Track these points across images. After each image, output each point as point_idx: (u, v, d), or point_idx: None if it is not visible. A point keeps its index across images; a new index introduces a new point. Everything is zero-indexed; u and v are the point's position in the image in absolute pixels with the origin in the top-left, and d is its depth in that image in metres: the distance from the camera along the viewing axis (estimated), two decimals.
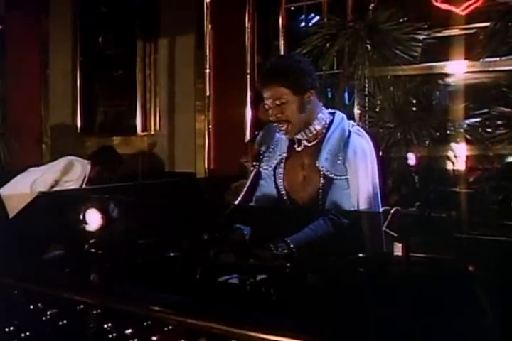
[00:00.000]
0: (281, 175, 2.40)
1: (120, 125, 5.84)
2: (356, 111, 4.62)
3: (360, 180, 2.33)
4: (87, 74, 5.95)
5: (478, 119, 4.02)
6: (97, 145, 5.67)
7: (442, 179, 4.18)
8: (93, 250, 2.39)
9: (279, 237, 2.01)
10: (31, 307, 2.14)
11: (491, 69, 4.00)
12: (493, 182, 3.75)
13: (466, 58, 4.14)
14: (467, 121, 4.14)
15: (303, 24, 4.82)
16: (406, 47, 4.26)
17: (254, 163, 2.21)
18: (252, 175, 2.14)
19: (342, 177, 2.34)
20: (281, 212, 2.24)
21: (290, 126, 2.35)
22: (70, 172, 4.33)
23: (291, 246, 2.09)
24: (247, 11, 4.08)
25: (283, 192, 2.40)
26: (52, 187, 4.24)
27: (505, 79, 3.78)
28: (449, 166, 4.16)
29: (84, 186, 4.27)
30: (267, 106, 2.35)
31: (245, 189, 2.05)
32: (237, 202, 2.01)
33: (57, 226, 2.43)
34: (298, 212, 2.25)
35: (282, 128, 2.37)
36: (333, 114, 2.46)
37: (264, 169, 2.38)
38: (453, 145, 4.10)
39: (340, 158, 2.35)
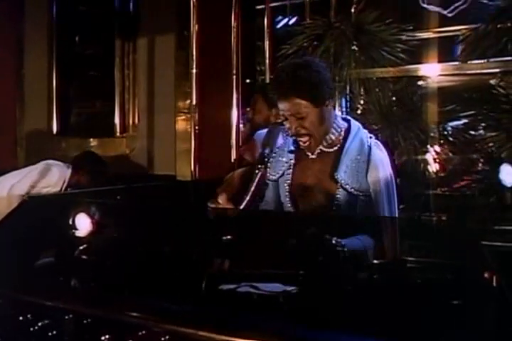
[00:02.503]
0: (289, 182, 2.30)
1: (98, 126, 5.71)
2: (339, 113, 4.57)
3: (384, 199, 2.28)
4: (63, 74, 5.80)
5: (466, 121, 4.00)
6: (73, 147, 5.57)
7: (428, 181, 4.15)
8: (84, 256, 2.30)
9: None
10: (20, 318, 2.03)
11: (478, 71, 4.00)
12: (482, 185, 3.72)
13: (453, 60, 4.14)
14: (454, 123, 4.12)
15: (288, 24, 4.76)
16: (393, 49, 4.23)
17: (259, 166, 2.12)
18: (258, 178, 2.05)
19: (365, 194, 2.28)
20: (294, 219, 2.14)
21: (311, 139, 2.28)
22: (47, 177, 4.19)
23: (346, 248, 1.99)
24: (233, 10, 4.00)
25: (287, 200, 2.29)
26: (28, 192, 4.11)
27: (494, 81, 3.75)
28: (436, 168, 4.13)
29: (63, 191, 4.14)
30: (283, 117, 2.26)
31: (250, 193, 1.95)
32: (242, 207, 1.92)
33: (45, 232, 2.32)
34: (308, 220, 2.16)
35: (303, 142, 2.28)
36: (347, 121, 2.39)
37: (272, 175, 2.29)
38: (440, 147, 4.08)
39: (363, 173, 2.27)
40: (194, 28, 3.73)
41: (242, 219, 1.89)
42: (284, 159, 2.35)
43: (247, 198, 1.94)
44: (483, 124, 3.92)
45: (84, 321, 2.04)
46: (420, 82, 4.35)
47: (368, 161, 2.28)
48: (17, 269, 2.18)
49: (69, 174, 4.29)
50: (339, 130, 2.33)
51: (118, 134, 5.57)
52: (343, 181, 2.25)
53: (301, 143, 2.30)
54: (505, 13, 3.62)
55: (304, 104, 2.21)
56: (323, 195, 2.28)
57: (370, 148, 2.31)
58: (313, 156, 2.33)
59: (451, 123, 4.13)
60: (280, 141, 2.39)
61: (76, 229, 2.31)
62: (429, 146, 4.15)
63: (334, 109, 2.37)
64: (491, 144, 3.67)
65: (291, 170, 2.33)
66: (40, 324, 2.04)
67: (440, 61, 4.25)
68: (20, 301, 2.11)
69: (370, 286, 1.77)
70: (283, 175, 2.32)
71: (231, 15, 4.00)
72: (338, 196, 2.25)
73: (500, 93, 3.65)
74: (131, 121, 5.55)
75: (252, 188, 1.99)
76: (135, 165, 5.45)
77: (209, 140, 4.12)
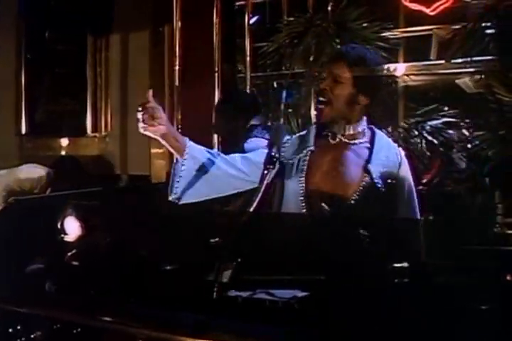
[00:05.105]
0: (304, 169, 2.25)
1: (69, 125, 5.54)
2: (314, 113, 4.52)
3: (413, 203, 2.29)
4: (32, 71, 5.59)
5: (451, 120, 4.01)
6: (43, 147, 5.40)
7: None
8: (73, 262, 2.18)
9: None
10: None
11: (462, 70, 4.00)
12: (469, 184, 3.71)
13: (438, 59, 4.14)
14: (437, 122, 4.13)
15: (267, 21, 4.70)
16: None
17: (268, 166, 2.03)
18: (267, 178, 1.96)
19: (391, 191, 2.24)
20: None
21: (330, 109, 2.25)
22: (36, 179, 4.06)
23: None
24: (215, 6, 3.90)
25: (302, 187, 2.23)
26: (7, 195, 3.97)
27: (481, 81, 3.75)
28: (420, 168, 4.11)
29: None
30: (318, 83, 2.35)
31: (260, 194, 1.86)
32: (252, 209, 1.82)
33: (32, 236, 2.20)
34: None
35: (321, 105, 2.27)
36: (370, 128, 2.37)
37: (286, 162, 2.25)
38: (424, 146, 4.07)
39: (394, 172, 2.26)
40: (177, 24, 3.61)
41: (251, 222, 1.81)
42: (300, 146, 2.32)
43: (257, 200, 1.85)
44: (466, 123, 3.92)
45: (74, 331, 1.94)
46: (402, 81, 4.34)
47: (399, 164, 2.29)
48: (4, 277, 2.05)
49: (47, 178, 4.16)
50: (363, 128, 2.32)
51: (90, 134, 5.42)
52: (374, 175, 2.23)
53: (318, 111, 2.31)
54: (490, 12, 3.61)
55: (348, 74, 2.24)
56: (344, 186, 2.24)
57: (399, 151, 2.33)
58: (335, 142, 2.31)
59: (434, 122, 4.13)
60: (286, 137, 2.32)
61: (64, 234, 2.19)
62: (411, 146, 4.14)
63: (367, 116, 2.34)
64: (476, 143, 3.66)
65: (307, 158, 2.28)
66: (28, 334, 1.93)
67: (422, 60, 4.26)
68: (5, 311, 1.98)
69: (388, 292, 1.70)
70: (299, 161, 2.28)
71: (212, 11, 3.89)
72: (361, 188, 2.22)
73: (486, 92, 3.64)
74: (103, 120, 5.41)
75: (262, 189, 1.90)
76: (107, 165, 5.31)
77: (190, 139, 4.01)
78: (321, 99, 2.27)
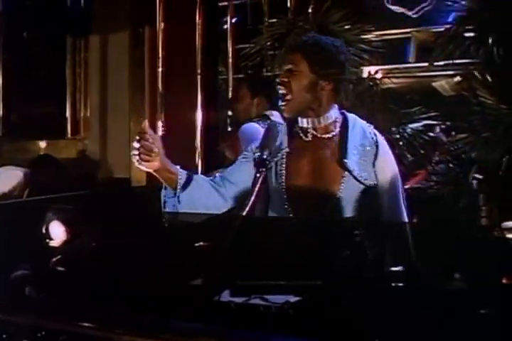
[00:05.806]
0: (283, 172, 2.16)
1: (48, 127, 5.47)
2: None
3: (392, 190, 2.17)
4: (9, 72, 5.53)
5: (434, 122, 4.01)
6: (21, 150, 5.33)
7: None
8: (58, 268, 2.13)
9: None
10: None
11: (444, 73, 4.01)
12: (452, 187, 3.71)
13: (419, 61, 4.15)
14: (419, 125, 4.13)
15: (249, 23, 4.68)
16: (356, 49, 4.21)
17: (261, 169, 1.99)
18: (259, 182, 1.92)
19: (371, 183, 2.15)
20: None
21: (291, 102, 2.17)
22: (11, 181, 3.99)
23: None
24: (197, 6, 3.87)
25: (283, 191, 2.14)
26: None
27: (464, 83, 3.76)
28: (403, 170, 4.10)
29: (25, 196, 3.94)
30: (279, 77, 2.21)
31: (252, 198, 1.82)
32: (244, 213, 1.79)
33: (15, 242, 2.14)
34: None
35: (283, 101, 2.19)
36: (342, 113, 2.26)
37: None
38: (408, 148, 4.07)
39: (370, 162, 2.15)
40: (160, 25, 3.56)
41: (244, 226, 1.77)
42: (277, 150, 2.21)
43: (249, 204, 1.81)
44: (448, 126, 3.93)
45: (61, 338, 1.89)
46: (384, 83, 4.34)
47: (376, 149, 2.18)
48: None
49: (25, 178, 4.09)
50: (334, 117, 2.21)
51: (69, 136, 5.36)
52: (352, 168, 2.13)
53: (280, 105, 2.22)
54: (474, 15, 3.62)
55: (303, 64, 2.16)
56: (325, 185, 2.15)
57: (375, 135, 2.21)
58: (308, 139, 2.21)
59: (417, 125, 4.13)
60: (278, 141, 2.24)
61: (49, 238, 2.13)
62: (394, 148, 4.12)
63: (333, 101, 2.24)
64: (460, 145, 3.66)
65: (284, 160, 2.20)
66: None
67: (407, 62, 4.27)
68: None
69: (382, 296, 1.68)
70: (277, 165, 2.19)
71: (195, 12, 3.86)
72: (343, 185, 2.14)
73: (469, 95, 3.65)
74: (82, 122, 5.35)
75: (254, 193, 1.86)
76: (87, 167, 5.25)
77: (173, 141, 3.97)
78: (282, 92, 2.19)
